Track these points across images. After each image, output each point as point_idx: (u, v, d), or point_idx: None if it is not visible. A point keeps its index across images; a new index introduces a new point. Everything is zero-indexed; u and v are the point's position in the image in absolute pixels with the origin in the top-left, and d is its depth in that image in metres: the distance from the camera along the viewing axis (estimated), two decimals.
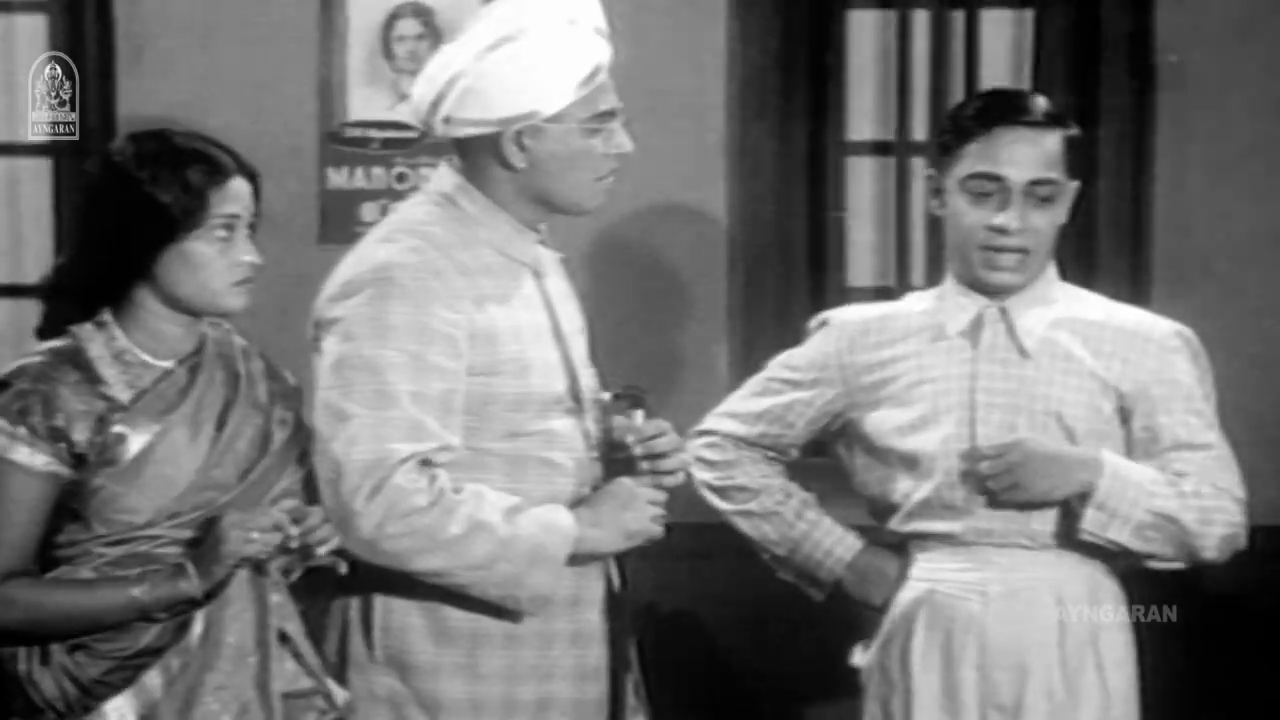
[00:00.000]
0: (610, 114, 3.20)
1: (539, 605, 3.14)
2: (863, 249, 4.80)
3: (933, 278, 4.51)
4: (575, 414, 3.23)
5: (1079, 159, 3.45)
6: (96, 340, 3.03)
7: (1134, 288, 4.45)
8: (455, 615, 3.16)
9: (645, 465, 3.21)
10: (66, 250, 3.14)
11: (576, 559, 3.16)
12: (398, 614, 3.17)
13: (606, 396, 3.25)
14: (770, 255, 4.67)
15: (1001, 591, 3.40)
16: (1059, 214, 3.43)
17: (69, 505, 2.98)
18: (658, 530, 3.21)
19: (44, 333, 3.07)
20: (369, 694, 3.18)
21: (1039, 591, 3.40)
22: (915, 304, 3.57)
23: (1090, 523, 3.33)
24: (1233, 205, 4.58)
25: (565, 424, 3.21)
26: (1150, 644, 3.49)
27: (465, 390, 3.12)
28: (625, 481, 3.20)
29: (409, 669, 3.17)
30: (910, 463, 3.45)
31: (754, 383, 3.65)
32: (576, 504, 3.18)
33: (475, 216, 3.21)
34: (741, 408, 3.63)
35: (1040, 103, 3.46)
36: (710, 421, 3.65)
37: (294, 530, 2.99)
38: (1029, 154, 3.37)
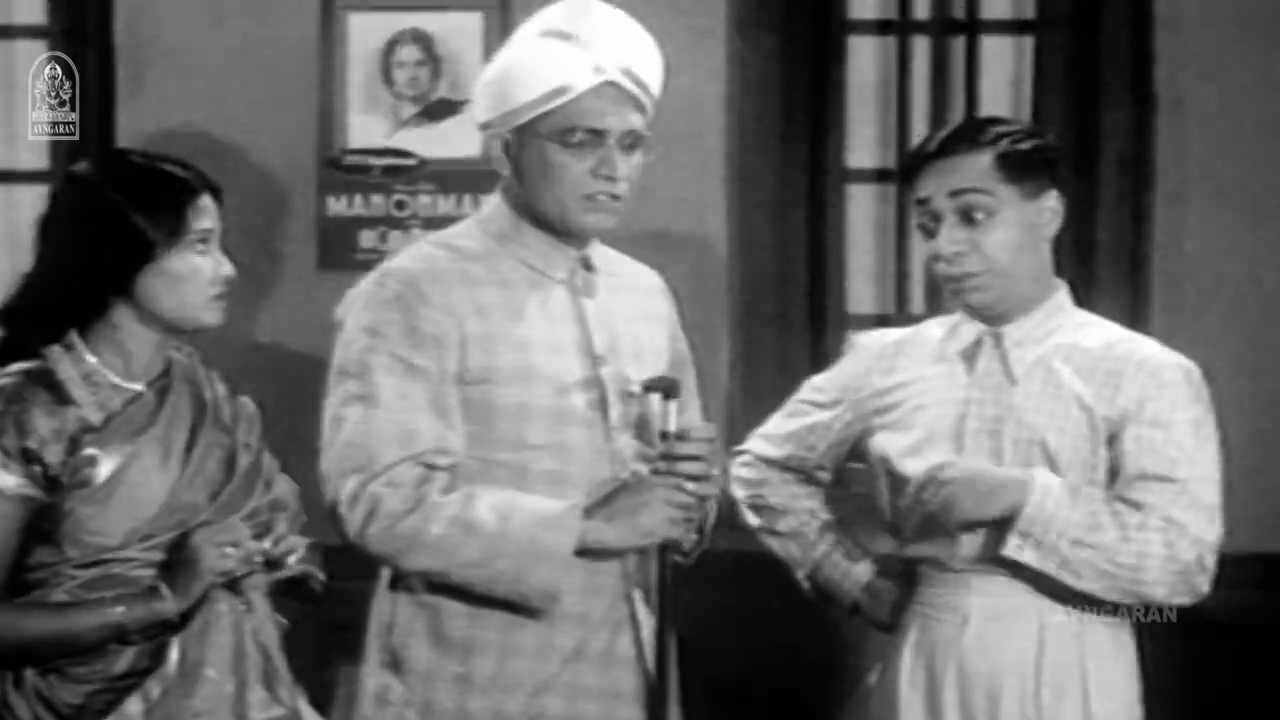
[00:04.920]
0: (597, 133, 3.17)
1: (548, 601, 3.12)
2: (863, 275, 4.78)
3: (932, 305, 4.50)
4: (599, 430, 3.20)
5: (1033, 173, 3.36)
6: (65, 362, 3.03)
7: (1133, 312, 4.42)
8: (453, 622, 3.17)
9: (663, 465, 3.16)
10: (34, 272, 3.13)
11: (588, 553, 3.12)
12: (403, 616, 3.20)
13: (636, 389, 3.21)
14: (769, 281, 4.65)
15: (982, 616, 3.37)
16: (1012, 231, 3.34)
17: (40, 528, 2.99)
18: (675, 532, 3.16)
19: (3, 357, 3.06)
20: (376, 696, 3.20)
21: (1019, 618, 3.35)
22: (933, 330, 3.56)
23: (1009, 548, 3.28)
24: (1232, 229, 4.55)
25: (582, 439, 3.18)
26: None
27: (463, 397, 3.13)
28: (646, 478, 3.16)
29: (407, 672, 3.19)
30: (907, 486, 3.43)
31: (788, 405, 3.69)
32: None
33: (504, 230, 3.25)
34: (773, 429, 3.68)
35: (960, 130, 3.41)
36: (748, 441, 3.71)
37: (262, 544, 2.99)
38: (946, 178, 3.34)
